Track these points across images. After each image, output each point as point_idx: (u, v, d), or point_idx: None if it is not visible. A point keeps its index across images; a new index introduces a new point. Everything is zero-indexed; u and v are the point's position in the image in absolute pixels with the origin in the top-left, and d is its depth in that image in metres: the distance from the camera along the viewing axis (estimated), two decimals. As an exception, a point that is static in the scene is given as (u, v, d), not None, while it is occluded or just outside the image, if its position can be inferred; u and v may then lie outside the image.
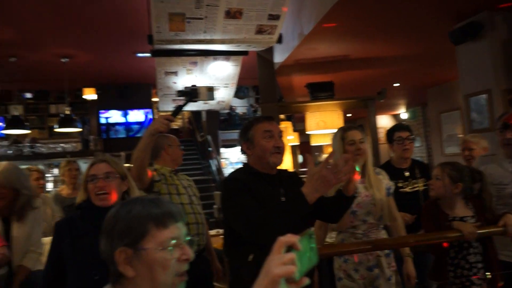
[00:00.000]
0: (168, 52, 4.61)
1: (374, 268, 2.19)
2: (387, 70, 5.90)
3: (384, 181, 2.34)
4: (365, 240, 2.16)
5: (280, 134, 1.87)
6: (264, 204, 1.70)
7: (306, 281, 0.79)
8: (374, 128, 4.04)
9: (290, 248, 0.79)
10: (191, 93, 2.14)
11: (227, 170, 13.20)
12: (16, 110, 6.50)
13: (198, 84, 5.90)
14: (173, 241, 0.98)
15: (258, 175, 1.82)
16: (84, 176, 1.76)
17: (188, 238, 1.03)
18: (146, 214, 0.99)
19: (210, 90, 2.19)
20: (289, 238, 0.78)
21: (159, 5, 3.22)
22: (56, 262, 1.66)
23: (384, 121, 10.96)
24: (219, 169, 9.34)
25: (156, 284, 0.96)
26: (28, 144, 7.41)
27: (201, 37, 3.72)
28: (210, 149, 9.84)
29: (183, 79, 5.82)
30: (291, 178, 1.95)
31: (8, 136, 8.16)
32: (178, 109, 2.13)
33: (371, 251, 2.14)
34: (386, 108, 9.88)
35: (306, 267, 0.79)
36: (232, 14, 3.34)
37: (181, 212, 1.05)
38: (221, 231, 4.38)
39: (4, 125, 6.15)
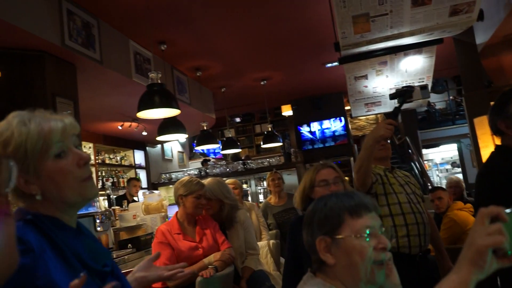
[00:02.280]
0: (355, 56, 4.59)
1: None
2: None
3: None
4: None
5: None
6: None
7: None
8: None
9: (495, 219, 0.74)
10: (405, 94, 2.03)
11: (432, 173, 12.18)
12: (229, 133, 7.47)
13: (390, 84, 5.65)
14: (368, 230, 1.02)
15: None
16: (308, 182, 1.92)
17: (383, 229, 1.06)
18: (340, 205, 1.07)
19: (424, 88, 2.05)
20: (492, 208, 0.74)
21: (342, 10, 3.25)
22: (294, 255, 1.87)
23: None
24: (423, 172, 8.67)
25: (355, 271, 1.01)
26: (241, 161, 8.43)
27: (388, 33, 3.58)
28: (410, 151, 9.26)
29: (374, 82, 5.69)
30: None
31: (225, 156, 9.49)
32: (397, 111, 2.03)
33: None
34: None
35: None
36: (420, 1, 3.10)
37: (375, 204, 1.09)
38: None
39: (221, 147, 7.15)
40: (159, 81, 3.58)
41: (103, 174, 7.47)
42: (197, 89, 6.56)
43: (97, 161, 7.11)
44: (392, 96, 2.13)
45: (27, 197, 0.89)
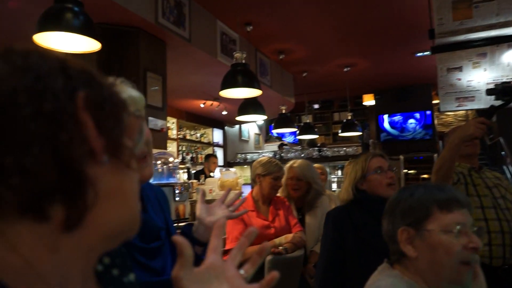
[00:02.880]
0: (450, 46, 4.25)
1: None
2: None
3: None
4: None
5: None
6: None
7: None
8: None
9: None
10: (505, 92, 1.82)
11: (527, 179, 11.04)
12: (307, 119, 7.39)
13: (488, 78, 5.20)
14: (458, 226, 0.95)
15: None
16: (359, 171, 1.82)
17: (476, 228, 0.97)
18: (429, 197, 1.00)
19: None
20: None
21: (441, -6, 3.01)
22: (337, 249, 1.72)
23: None
24: (516, 177, 7.91)
25: (438, 268, 0.94)
26: (317, 148, 8.34)
27: (493, 21, 3.27)
28: (503, 153, 8.48)
29: (469, 75, 5.23)
30: None
31: (300, 141, 9.46)
32: (493, 110, 1.85)
33: None
34: None
35: None
36: (536, -15, 2.77)
37: (468, 200, 1.02)
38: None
39: (298, 132, 7.12)
40: (243, 61, 3.63)
41: (183, 148, 7.85)
42: (278, 72, 6.56)
43: (178, 136, 7.48)
44: (490, 92, 1.92)
45: None
